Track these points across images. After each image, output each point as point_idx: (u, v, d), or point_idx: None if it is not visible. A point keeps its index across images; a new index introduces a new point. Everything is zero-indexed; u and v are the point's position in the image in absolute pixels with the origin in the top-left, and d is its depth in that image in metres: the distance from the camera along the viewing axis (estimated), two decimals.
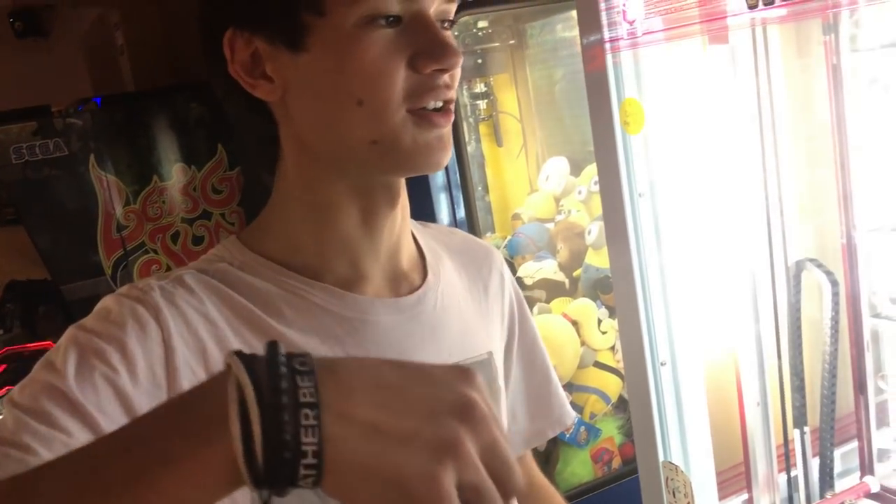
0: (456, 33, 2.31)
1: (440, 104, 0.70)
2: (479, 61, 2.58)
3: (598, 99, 1.27)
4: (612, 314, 2.19)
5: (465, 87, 2.59)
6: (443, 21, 0.72)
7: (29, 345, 3.23)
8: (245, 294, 0.72)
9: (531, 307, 2.24)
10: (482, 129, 2.68)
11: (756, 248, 1.34)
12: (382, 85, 0.67)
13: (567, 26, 2.53)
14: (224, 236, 1.15)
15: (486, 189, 2.68)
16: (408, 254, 0.81)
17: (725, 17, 1.18)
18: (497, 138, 2.72)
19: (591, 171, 2.39)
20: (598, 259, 2.25)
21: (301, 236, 0.75)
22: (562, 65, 2.65)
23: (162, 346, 0.66)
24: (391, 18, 0.67)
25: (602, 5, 1.23)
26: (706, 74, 1.27)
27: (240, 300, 0.71)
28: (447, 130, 0.71)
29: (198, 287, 0.71)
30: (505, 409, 0.90)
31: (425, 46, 0.68)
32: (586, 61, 1.29)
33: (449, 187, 1.77)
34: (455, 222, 1.78)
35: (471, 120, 2.62)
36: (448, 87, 0.70)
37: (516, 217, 2.54)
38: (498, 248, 2.48)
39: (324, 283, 0.74)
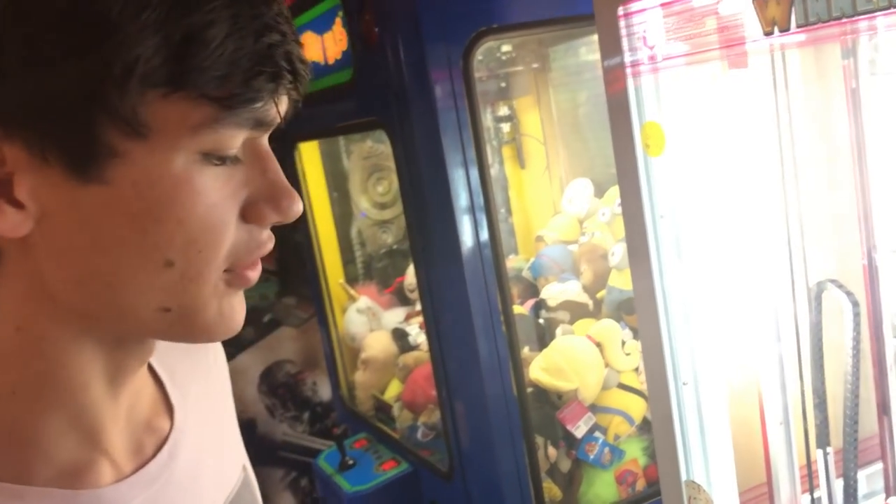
0: (480, 57, 2.34)
1: None
2: (503, 85, 2.61)
3: (619, 122, 1.30)
4: (636, 335, 2.20)
5: (488, 110, 2.63)
6: None
7: None
8: None
9: (555, 329, 2.27)
10: (505, 151, 2.72)
11: (777, 268, 1.35)
12: (210, 243, 0.50)
13: (590, 49, 2.56)
14: None
15: (508, 211, 2.71)
16: (148, 392, 0.63)
17: (744, 42, 1.20)
18: (520, 161, 2.75)
19: (615, 192, 2.41)
20: (622, 281, 2.26)
21: (6, 418, 0.52)
22: (585, 87, 2.69)
23: None
24: (235, 154, 0.51)
25: (623, 30, 1.26)
26: (726, 98, 1.29)
27: None
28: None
29: None
30: None
31: (267, 192, 0.52)
32: (608, 84, 1.32)
33: (472, 210, 1.79)
34: (479, 244, 1.80)
35: (494, 143, 2.66)
36: (272, 237, 0.54)
37: (539, 239, 2.56)
38: (521, 270, 2.51)
39: (40, 487, 0.51)
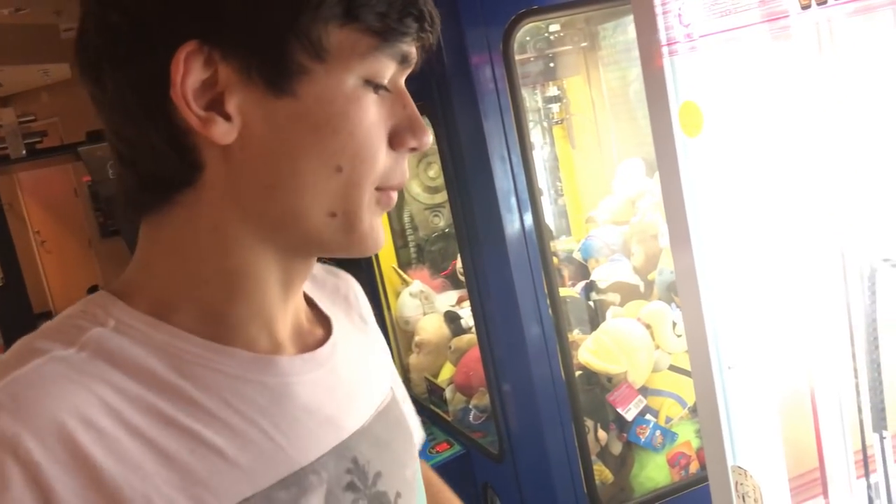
0: (527, 38, 2.32)
1: None
2: (552, 65, 2.58)
3: (656, 102, 1.27)
4: None
5: (537, 90, 2.60)
6: None
7: None
8: (132, 372, 0.56)
9: (605, 310, 2.25)
10: (556, 132, 2.69)
11: (827, 247, 1.31)
12: (370, 156, 0.61)
13: None
14: None
15: (559, 193, 2.69)
16: (304, 309, 0.73)
17: (788, 15, 1.16)
18: (571, 141, 2.72)
19: None
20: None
21: (215, 299, 0.62)
22: (635, 65, 2.62)
23: (34, 492, 0.50)
24: (386, 84, 0.62)
25: (658, 8, 1.23)
26: (768, 74, 1.25)
27: (129, 385, 0.56)
28: None
29: (67, 381, 0.53)
30: (416, 442, 0.84)
31: (407, 122, 0.63)
32: (644, 64, 1.30)
33: (516, 193, 1.79)
34: (523, 227, 1.80)
35: (544, 123, 2.63)
36: (407, 171, 0.66)
37: (590, 220, 2.54)
38: (572, 252, 2.49)
39: (235, 348, 0.62)
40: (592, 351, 2.06)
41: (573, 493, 1.91)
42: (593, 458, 1.99)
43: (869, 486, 1.44)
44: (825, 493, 1.42)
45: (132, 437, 0.54)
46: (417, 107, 0.64)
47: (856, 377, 1.40)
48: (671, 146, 1.27)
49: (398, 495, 0.71)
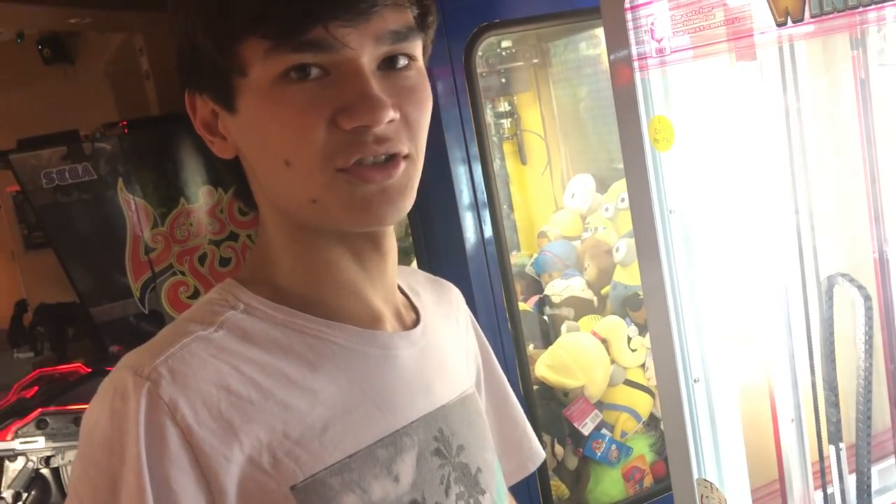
0: (480, 53, 2.32)
1: (381, 158, 0.65)
2: (503, 80, 2.59)
3: (627, 116, 1.28)
4: (641, 331, 2.18)
5: (489, 106, 2.61)
6: (392, 60, 0.66)
7: (59, 367, 3.26)
8: (261, 344, 0.68)
9: (559, 325, 2.25)
10: (506, 147, 2.70)
11: (787, 263, 1.33)
12: (303, 144, 0.64)
13: (590, 44, 2.54)
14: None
15: (511, 207, 2.69)
16: (399, 295, 0.81)
17: (752, 34, 1.18)
18: (521, 156, 2.73)
19: (618, 188, 2.40)
20: (627, 276, 2.24)
21: (307, 282, 0.72)
22: (585, 82, 2.67)
23: (187, 451, 0.61)
24: (310, 71, 0.64)
25: (630, 23, 1.24)
26: (735, 91, 1.27)
27: (259, 355, 0.67)
28: (394, 183, 0.66)
29: (209, 356, 0.65)
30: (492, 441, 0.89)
31: (346, 102, 0.63)
32: (614, 78, 1.30)
33: (476, 206, 1.78)
34: (482, 241, 1.79)
35: (495, 139, 2.64)
36: (380, 142, 0.64)
37: (542, 235, 2.54)
38: (524, 266, 2.49)
39: (341, 323, 0.71)
40: (549, 365, 2.05)
41: None
42: (550, 473, 1.98)
43: (826, 498, 1.47)
44: None
45: (263, 397, 0.65)
46: None
47: (813, 390, 1.43)
48: (641, 160, 1.27)
49: (479, 470, 0.78)
